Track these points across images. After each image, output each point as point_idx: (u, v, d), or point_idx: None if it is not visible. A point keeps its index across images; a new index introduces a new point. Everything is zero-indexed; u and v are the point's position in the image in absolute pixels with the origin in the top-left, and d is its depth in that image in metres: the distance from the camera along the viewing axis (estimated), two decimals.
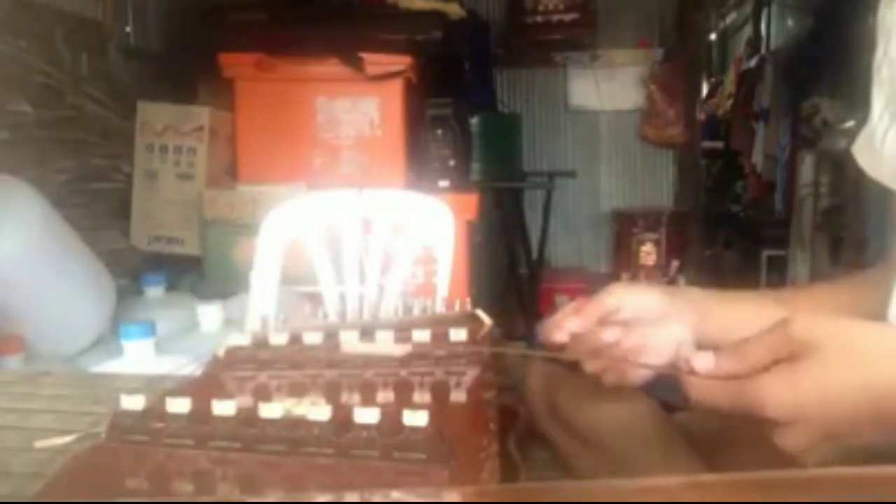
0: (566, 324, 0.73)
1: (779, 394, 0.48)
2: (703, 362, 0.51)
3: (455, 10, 2.50)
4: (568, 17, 3.80)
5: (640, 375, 0.71)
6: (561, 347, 0.73)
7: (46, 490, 0.45)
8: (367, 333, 0.63)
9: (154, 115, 2.36)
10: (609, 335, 0.71)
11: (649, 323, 0.73)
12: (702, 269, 4.13)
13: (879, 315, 0.66)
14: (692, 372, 0.52)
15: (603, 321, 0.73)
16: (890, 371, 0.48)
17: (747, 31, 5.33)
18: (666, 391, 0.75)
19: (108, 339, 1.71)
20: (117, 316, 1.77)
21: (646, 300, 0.75)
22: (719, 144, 5.21)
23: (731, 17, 6.11)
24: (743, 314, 0.74)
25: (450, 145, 2.37)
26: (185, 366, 0.65)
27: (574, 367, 0.73)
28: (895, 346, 0.49)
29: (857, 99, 2.81)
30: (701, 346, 0.72)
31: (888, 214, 0.77)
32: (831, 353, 0.48)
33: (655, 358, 0.71)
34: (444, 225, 1.33)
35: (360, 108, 2.33)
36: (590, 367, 0.72)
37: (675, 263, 3.91)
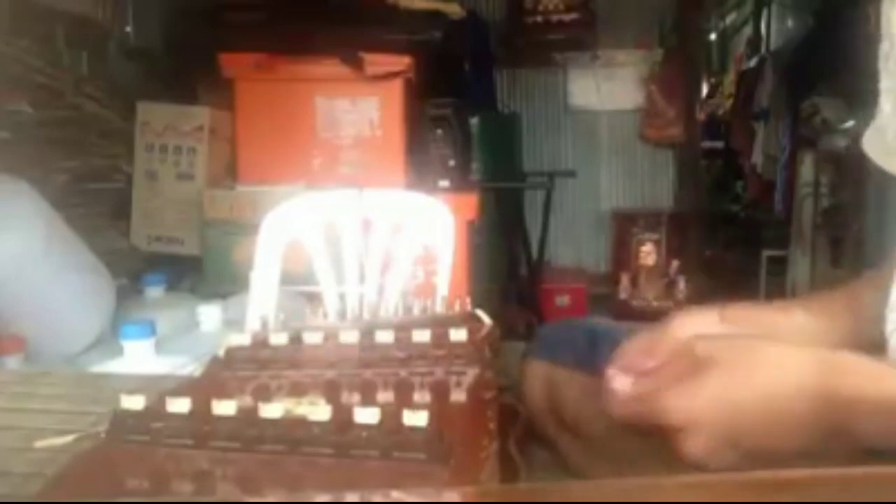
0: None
1: (676, 402, 0.53)
2: (621, 383, 0.58)
3: (455, 10, 2.50)
4: (568, 17, 3.81)
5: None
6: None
7: (47, 489, 0.45)
8: (366, 333, 0.63)
9: (154, 115, 2.36)
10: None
11: None
12: (702, 270, 4.13)
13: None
14: (612, 391, 0.58)
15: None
16: (778, 381, 0.52)
17: (747, 31, 5.33)
18: None
19: (108, 339, 1.71)
20: (117, 316, 1.77)
21: (710, 327, 0.67)
22: (719, 144, 5.21)
23: (731, 17, 6.11)
24: (798, 334, 0.69)
25: (449, 145, 2.37)
26: (185, 366, 0.65)
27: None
28: (784, 359, 0.54)
29: (856, 99, 2.81)
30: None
31: (889, 213, 0.76)
32: (727, 367, 0.53)
33: None
34: (444, 225, 1.33)
35: (359, 107, 2.33)
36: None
37: (675, 263, 3.91)
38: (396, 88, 2.31)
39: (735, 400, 0.52)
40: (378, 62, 2.26)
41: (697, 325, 0.68)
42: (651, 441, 0.70)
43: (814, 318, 0.73)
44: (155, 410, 0.48)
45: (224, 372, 0.60)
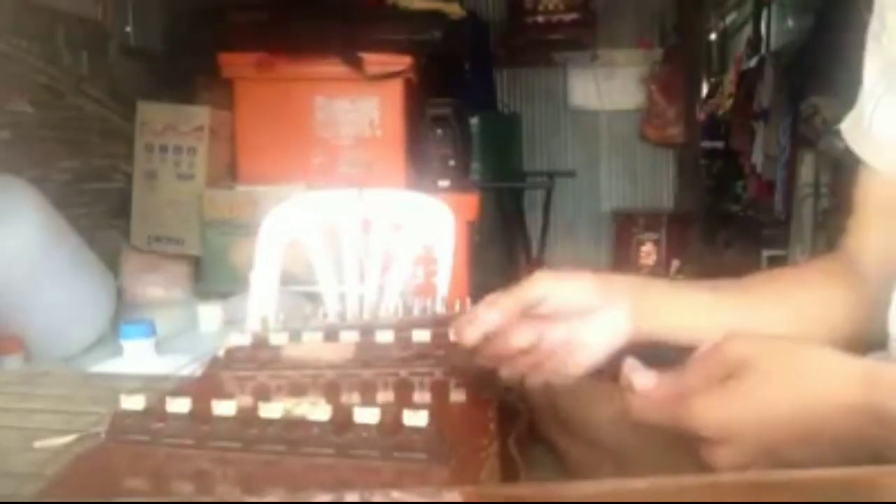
0: (479, 322, 0.60)
1: (710, 413, 0.48)
2: (643, 381, 0.52)
3: (455, 10, 2.50)
4: (568, 17, 3.81)
5: (566, 377, 0.64)
6: (473, 350, 0.60)
7: (49, 489, 0.45)
8: (366, 333, 0.63)
9: (154, 115, 2.36)
10: (521, 338, 0.60)
11: (578, 316, 0.63)
12: (702, 270, 4.13)
13: (828, 298, 0.70)
14: (632, 390, 0.52)
15: (524, 315, 0.62)
16: (821, 391, 0.48)
17: (747, 31, 5.33)
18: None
19: (108, 339, 1.71)
20: (117, 316, 1.77)
21: (575, 289, 0.65)
22: (719, 144, 5.21)
23: (731, 17, 6.10)
24: (692, 311, 0.70)
25: (450, 145, 2.36)
26: (185, 366, 0.65)
27: (487, 372, 0.62)
28: (827, 368, 0.49)
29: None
30: (640, 343, 0.65)
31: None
32: (764, 374, 0.49)
33: (584, 358, 0.64)
34: (444, 225, 1.33)
35: (359, 107, 2.33)
36: (504, 372, 0.62)
37: (675, 263, 3.91)
38: (396, 88, 2.31)
39: (773, 412, 0.48)
40: (378, 62, 2.26)
41: (554, 285, 0.65)
42: (656, 443, 0.70)
43: (718, 300, 0.72)
44: (155, 410, 0.48)
45: (224, 372, 0.60)
